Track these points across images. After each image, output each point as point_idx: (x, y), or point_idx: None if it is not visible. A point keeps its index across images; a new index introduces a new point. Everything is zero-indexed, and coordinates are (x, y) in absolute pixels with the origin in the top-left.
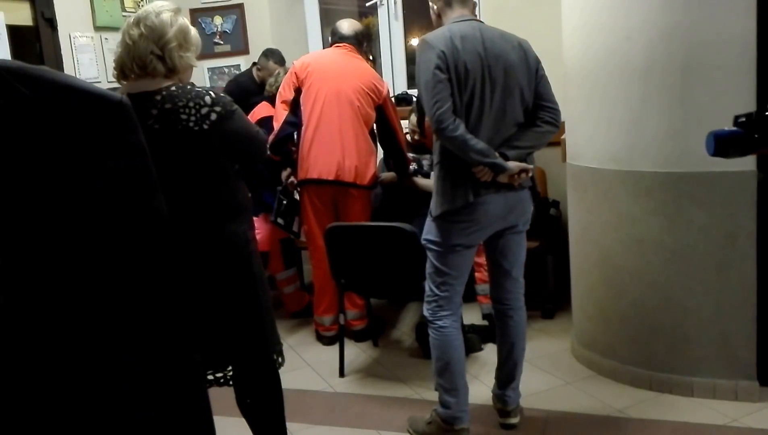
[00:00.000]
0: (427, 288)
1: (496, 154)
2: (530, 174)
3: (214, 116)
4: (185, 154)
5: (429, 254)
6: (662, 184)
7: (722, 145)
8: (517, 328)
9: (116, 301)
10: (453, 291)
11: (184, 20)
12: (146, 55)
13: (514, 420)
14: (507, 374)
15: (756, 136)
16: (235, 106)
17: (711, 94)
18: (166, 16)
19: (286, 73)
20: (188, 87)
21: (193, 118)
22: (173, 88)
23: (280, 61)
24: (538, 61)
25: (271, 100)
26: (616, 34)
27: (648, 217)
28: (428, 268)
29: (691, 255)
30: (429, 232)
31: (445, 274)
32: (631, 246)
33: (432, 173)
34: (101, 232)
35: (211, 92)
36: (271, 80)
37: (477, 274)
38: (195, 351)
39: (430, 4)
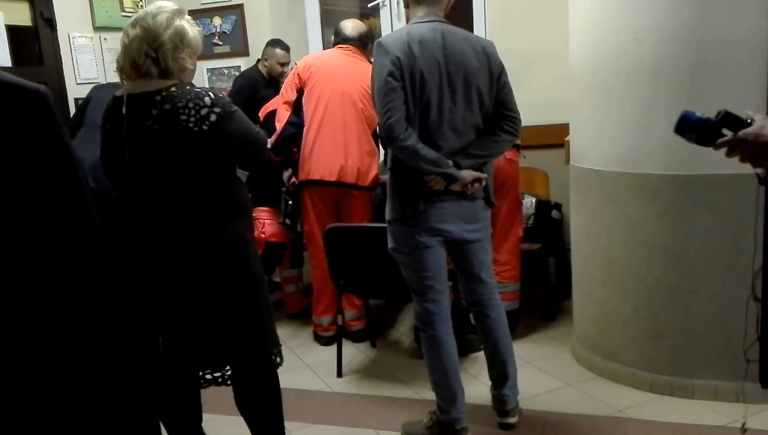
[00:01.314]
0: (414, 305)
1: (449, 163)
2: (483, 183)
3: (213, 117)
4: (184, 154)
5: (400, 261)
6: (668, 187)
7: (684, 125)
8: (498, 326)
9: (36, 307)
10: (435, 293)
11: (183, 22)
12: (139, 56)
13: (512, 420)
14: (498, 373)
15: (719, 132)
16: (235, 107)
17: (721, 95)
18: (162, 17)
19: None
20: (188, 88)
21: (192, 119)
22: (173, 88)
23: (286, 47)
24: (501, 68)
25: None
26: (624, 35)
27: (653, 220)
28: (405, 277)
29: (695, 258)
30: (390, 239)
31: (421, 277)
32: (636, 248)
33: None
34: (19, 229)
35: (210, 93)
36: (287, 72)
37: (494, 268)
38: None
39: None
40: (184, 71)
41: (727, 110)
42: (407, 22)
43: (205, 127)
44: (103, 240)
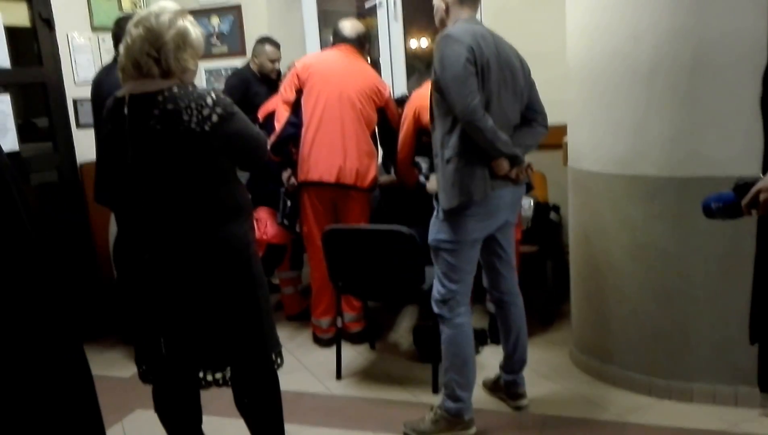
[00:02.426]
0: (438, 287)
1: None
2: (532, 170)
3: (215, 118)
4: (186, 154)
5: (442, 254)
6: (666, 189)
7: (710, 214)
8: (521, 313)
9: None
10: (467, 286)
11: (186, 23)
12: (141, 56)
13: (526, 401)
14: (519, 359)
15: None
16: (236, 108)
17: (719, 95)
18: (165, 18)
19: (291, 63)
20: (190, 88)
21: (195, 120)
22: (175, 89)
23: (276, 44)
24: (529, 70)
25: None
26: (621, 35)
27: (651, 222)
28: (441, 268)
29: (694, 260)
30: (440, 231)
31: (460, 271)
32: (633, 251)
33: (435, 172)
34: None
35: (212, 93)
36: (282, 69)
37: None
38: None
39: (438, 1)
40: (185, 72)
41: (741, 178)
42: (443, 25)
43: (207, 128)
44: (32, 239)
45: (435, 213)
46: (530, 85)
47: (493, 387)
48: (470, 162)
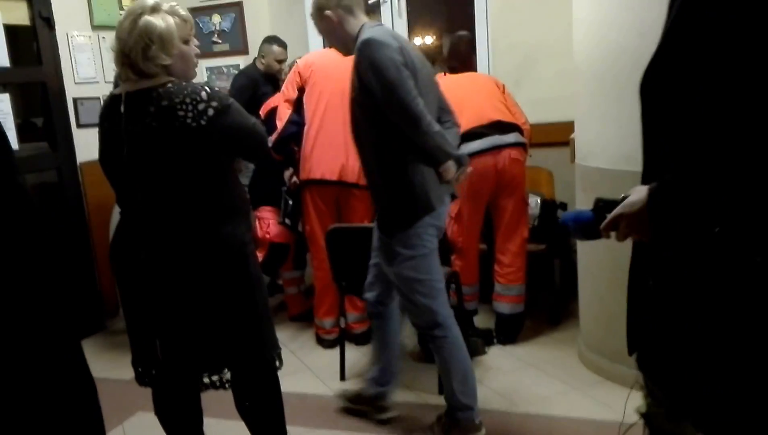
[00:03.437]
0: (426, 306)
1: None
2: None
3: (211, 111)
4: (184, 151)
5: (414, 273)
6: None
7: (567, 230)
8: (398, 328)
9: None
10: (443, 293)
11: (149, 18)
12: (117, 62)
13: (392, 413)
14: (393, 371)
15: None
16: (231, 100)
17: None
18: (126, 23)
19: (292, 61)
20: (184, 83)
21: (190, 115)
22: (170, 84)
23: (283, 44)
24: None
25: None
26: (628, 30)
27: None
28: (419, 289)
29: None
30: (406, 246)
31: (437, 281)
32: None
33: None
34: None
35: (206, 87)
36: (285, 68)
37: (497, 270)
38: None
39: (325, 12)
40: (166, 66)
41: (601, 198)
42: (345, 41)
43: (203, 122)
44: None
45: (379, 239)
46: (437, 83)
47: (356, 400)
48: (420, 170)
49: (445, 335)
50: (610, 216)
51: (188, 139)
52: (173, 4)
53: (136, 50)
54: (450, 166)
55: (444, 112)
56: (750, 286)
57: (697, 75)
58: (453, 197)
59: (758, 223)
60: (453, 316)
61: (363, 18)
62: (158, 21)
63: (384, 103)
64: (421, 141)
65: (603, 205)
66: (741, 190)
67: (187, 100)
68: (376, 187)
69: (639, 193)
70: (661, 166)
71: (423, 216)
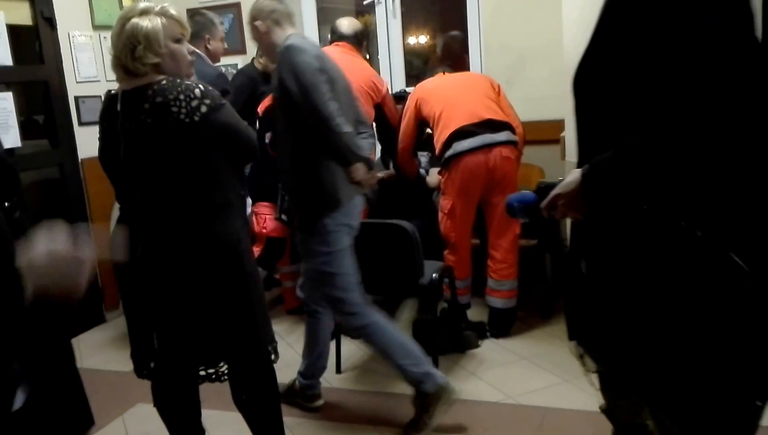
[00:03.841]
0: (340, 298)
1: None
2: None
3: (204, 108)
4: (177, 147)
5: (329, 268)
6: None
7: (512, 213)
8: (330, 327)
9: None
10: (357, 286)
11: (135, 20)
12: (112, 65)
13: (322, 401)
14: (322, 366)
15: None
16: (224, 100)
17: None
18: (116, 28)
19: None
20: (178, 80)
21: (183, 111)
22: (164, 81)
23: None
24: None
25: None
26: None
27: None
28: (333, 282)
29: None
30: (320, 243)
31: (350, 275)
32: None
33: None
34: None
35: (200, 85)
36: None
37: (490, 265)
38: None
39: (256, 23)
40: (155, 65)
41: (542, 181)
42: (271, 39)
43: (196, 118)
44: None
45: (300, 236)
46: (356, 99)
47: (287, 393)
48: (331, 169)
49: (367, 323)
50: (549, 196)
51: (181, 135)
52: (165, 5)
53: (125, 52)
54: (359, 168)
55: (361, 125)
56: (684, 260)
57: (620, 69)
58: (367, 199)
59: (697, 200)
60: (367, 304)
61: (290, 30)
62: (145, 22)
63: (301, 104)
64: (332, 140)
65: (544, 187)
66: (667, 169)
67: (181, 97)
68: (290, 186)
69: (574, 174)
70: (593, 154)
71: (330, 211)
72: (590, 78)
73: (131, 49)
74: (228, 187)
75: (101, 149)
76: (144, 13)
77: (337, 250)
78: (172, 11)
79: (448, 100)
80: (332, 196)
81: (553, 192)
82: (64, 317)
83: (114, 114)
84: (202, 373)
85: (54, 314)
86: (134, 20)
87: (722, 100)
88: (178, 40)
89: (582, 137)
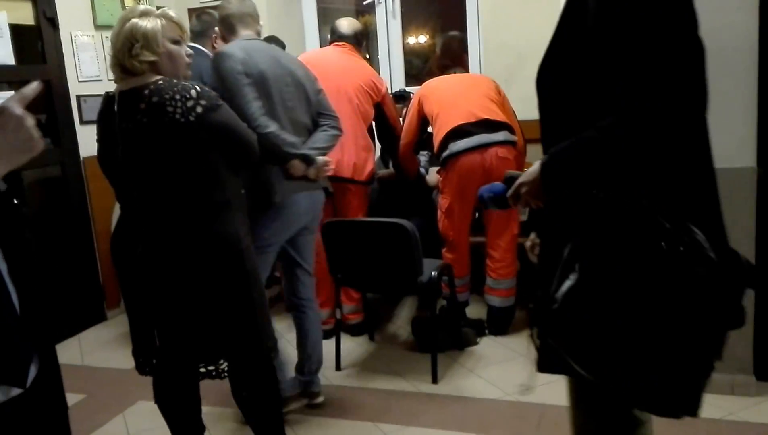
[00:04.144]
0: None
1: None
2: (330, 170)
3: (199, 109)
4: (173, 146)
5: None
6: None
7: (483, 203)
8: (317, 318)
9: None
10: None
11: (135, 21)
12: (110, 64)
13: (323, 398)
14: (317, 360)
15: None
16: (222, 102)
17: (712, 87)
18: (116, 28)
19: None
20: (174, 81)
21: (179, 111)
22: (160, 82)
23: (281, 44)
24: (316, 78)
25: None
26: None
27: None
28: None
29: None
30: (253, 236)
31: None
32: None
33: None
34: None
35: (196, 86)
36: None
37: (489, 265)
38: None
39: (214, 27)
40: (151, 64)
41: (509, 172)
42: (224, 44)
43: (191, 118)
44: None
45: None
46: (318, 92)
47: (288, 401)
48: (265, 168)
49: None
50: (513, 185)
51: (177, 135)
52: (165, 8)
53: (123, 50)
54: (294, 164)
55: (323, 117)
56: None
57: (576, 63)
58: (327, 192)
59: (648, 184)
60: None
61: (245, 33)
62: (144, 22)
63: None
64: (259, 141)
65: (510, 178)
66: (618, 154)
67: (177, 97)
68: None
69: (536, 165)
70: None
71: (266, 209)
72: (551, 74)
73: (129, 48)
74: (228, 186)
75: (100, 150)
76: (144, 14)
77: (257, 245)
78: (172, 14)
79: (448, 100)
80: (266, 195)
81: (517, 182)
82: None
83: (111, 114)
84: (203, 370)
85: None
86: (134, 20)
87: (665, 88)
88: (176, 42)
89: (545, 131)
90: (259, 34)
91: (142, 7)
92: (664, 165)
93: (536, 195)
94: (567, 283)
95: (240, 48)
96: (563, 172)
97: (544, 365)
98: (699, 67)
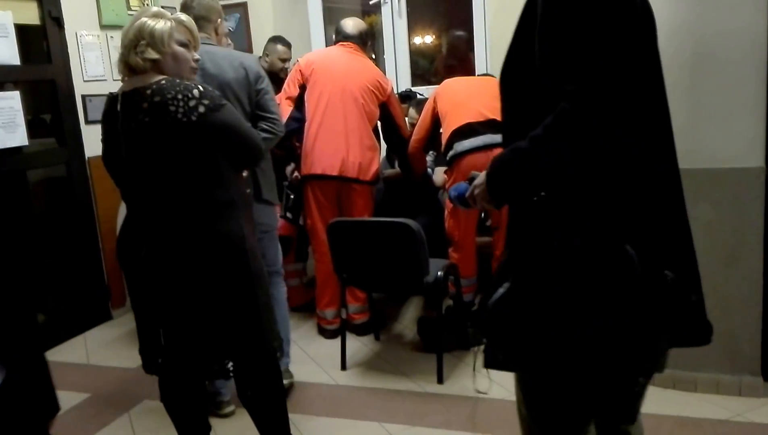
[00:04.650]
0: None
1: None
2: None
3: (202, 108)
4: (175, 146)
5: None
6: None
7: (454, 202)
8: (280, 295)
9: None
10: None
11: (144, 19)
12: (119, 63)
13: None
14: (287, 338)
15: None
16: (225, 102)
17: (719, 89)
18: (126, 26)
19: (294, 60)
20: (177, 80)
21: (181, 110)
22: (163, 81)
23: (287, 44)
24: (258, 78)
25: None
26: None
27: None
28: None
29: (696, 251)
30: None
31: None
32: None
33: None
34: None
35: (199, 86)
36: (289, 67)
37: (495, 265)
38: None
39: None
40: (155, 62)
41: (474, 172)
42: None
43: (193, 118)
44: None
45: None
46: (258, 93)
47: None
48: None
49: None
50: (470, 186)
51: (179, 134)
52: (179, 14)
53: (130, 47)
54: None
55: (262, 120)
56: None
57: (528, 65)
58: (257, 197)
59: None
60: None
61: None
62: (154, 22)
63: None
64: None
65: (473, 179)
66: (548, 165)
67: (179, 96)
68: None
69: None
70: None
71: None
72: (511, 74)
73: (135, 44)
74: (231, 185)
75: (104, 150)
76: (156, 15)
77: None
78: (184, 18)
79: (458, 99)
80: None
81: (473, 184)
82: (29, 301)
83: (115, 115)
84: (209, 369)
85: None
86: (145, 19)
87: (597, 94)
88: (184, 45)
89: (506, 131)
90: (216, 32)
91: (155, 8)
92: (599, 176)
93: (485, 199)
94: (500, 291)
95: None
96: (503, 181)
97: (489, 362)
98: (640, 73)
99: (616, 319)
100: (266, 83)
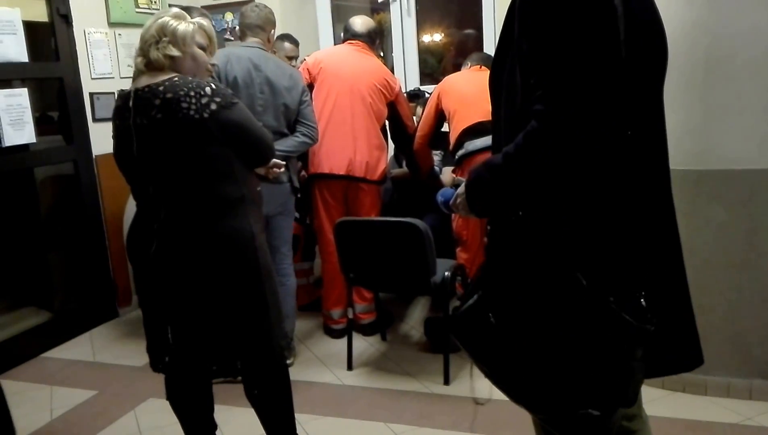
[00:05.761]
0: None
1: None
2: (282, 170)
3: (214, 106)
4: (187, 143)
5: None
6: (680, 183)
7: (442, 207)
8: (292, 292)
9: None
10: None
11: (167, 18)
12: (137, 57)
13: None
14: (290, 329)
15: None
16: (237, 100)
17: (733, 89)
18: (149, 21)
19: (301, 58)
20: (189, 78)
21: (193, 107)
22: (176, 78)
23: (295, 42)
24: (304, 90)
25: None
26: None
27: None
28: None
29: (708, 253)
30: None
31: None
32: None
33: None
34: None
35: (212, 84)
36: (296, 65)
37: None
38: None
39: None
40: (174, 59)
41: (457, 180)
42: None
43: (205, 115)
44: None
45: None
46: (302, 103)
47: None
48: None
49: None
50: (454, 194)
51: (191, 131)
52: (199, 18)
53: (151, 41)
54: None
55: (301, 125)
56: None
57: (511, 69)
58: (293, 188)
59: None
60: None
61: (248, 41)
62: (176, 23)
63: None
64: None
65: (457, 186)
66: (521, 182)
67: (192, 93)
68: None
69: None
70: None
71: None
72: (498, 77)
73: (157, 41)
74: (242, 182)
75: (116, 147)
76: (178, 17)
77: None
78: (205, 23)
79: (467, 97)
80: None
81: (456, 192)
82: None
83: (127, 111)
84: (215, 368)
85: None
86: (167, 18)
87: (571, 107)
88: (202, 48)
89: (495, 134)
90: (269, 40)
91: (176, 9)
92: (571, 195)
93: (464, 209)
94: (470, 301)
95: (224, 54)
96: (478, 194)
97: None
98: (615, 82)
99: (565, 344)
100: (308, 95)
